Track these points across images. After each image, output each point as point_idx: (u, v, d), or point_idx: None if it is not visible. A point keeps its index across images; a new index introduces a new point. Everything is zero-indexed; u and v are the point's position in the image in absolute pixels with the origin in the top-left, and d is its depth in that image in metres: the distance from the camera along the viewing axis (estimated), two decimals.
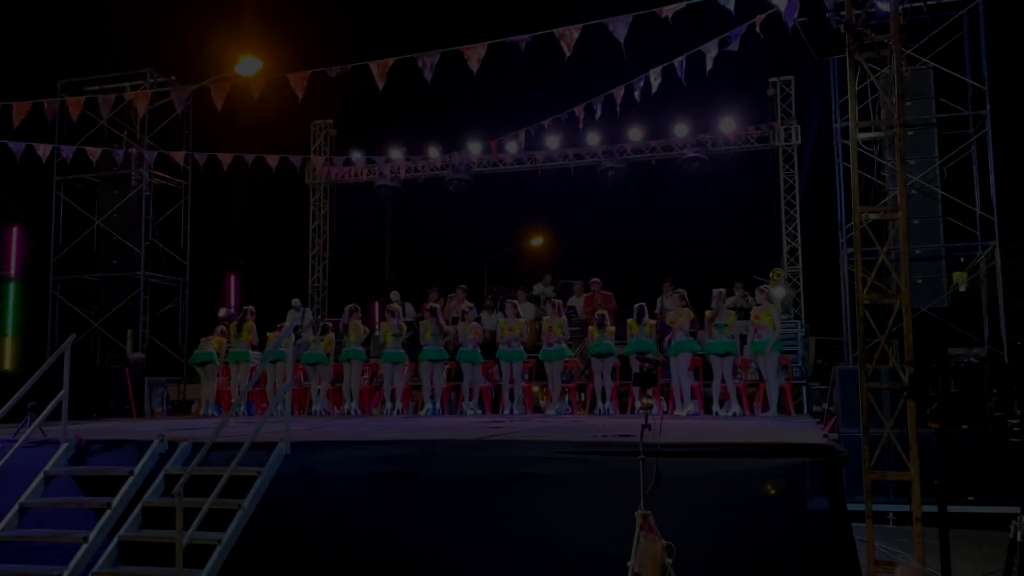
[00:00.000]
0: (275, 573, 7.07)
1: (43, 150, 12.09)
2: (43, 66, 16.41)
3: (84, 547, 6.78)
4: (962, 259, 13.13)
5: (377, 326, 14.04)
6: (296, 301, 15.36)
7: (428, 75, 7.90)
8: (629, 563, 5.28)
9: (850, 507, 6.57)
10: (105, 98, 11.01)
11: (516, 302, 13.27)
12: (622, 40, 7.26)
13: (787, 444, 6.31)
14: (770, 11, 7.08)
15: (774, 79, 17.35)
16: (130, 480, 7.31)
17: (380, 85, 8.08)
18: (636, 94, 8.70)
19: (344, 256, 20.94)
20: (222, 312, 13.86)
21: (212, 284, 20.20)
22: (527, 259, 22.85)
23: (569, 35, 7.29)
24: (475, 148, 17.03)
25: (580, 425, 9.49)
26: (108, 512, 7.06)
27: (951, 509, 8.45)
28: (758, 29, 7.26)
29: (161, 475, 7.30)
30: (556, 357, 12.40)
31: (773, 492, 5.72)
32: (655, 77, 8.41)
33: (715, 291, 11.60)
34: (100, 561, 6.66)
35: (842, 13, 5.57)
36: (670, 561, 5.23)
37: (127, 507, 7.15)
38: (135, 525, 6.97)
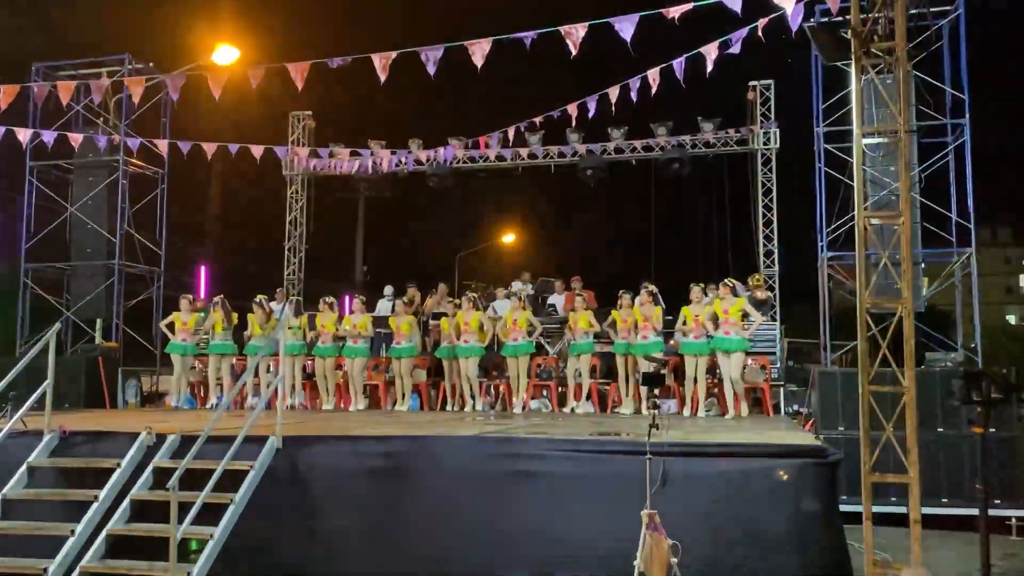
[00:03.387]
0: (267, 568, 7.01)
1: (24, 135, 11.83)
2: (17, 51, 16.08)
3: (71, 540, 6.69)
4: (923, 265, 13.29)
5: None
6: (280, 291, 15.27)
7: (431, 69, 7.85)
8: (635, 562, 5.30)
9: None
10: (96, 83, 10.80)
11: (472, 296, 12.97)
12: (628, 39, 7.28)
13: (785, 446, 6.38)
14: (773, 15, 7.15)
15: (754, 83, 17.49)
16: (117, 472, 7.21)
17: (382, 78, 8.03)
18: (632, 94, 8.74)
19: (320, 249, 20.80)
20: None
21: (184, 274, 19.97)
22: (505, 256, 22.88)
23: (575, 33, 7.30)
24: (456, 144, 16.96)
25: (565, 423, 9.52)
26: (96, 505, 6.97)
27: (930, 511, 8.65)
28: (760, 32, 7.33)
29: (150, 468, 7.21)
30: (521, 352, 12.00)
31: (786, 478, 5.78)
32: (654, 78, 8.45)
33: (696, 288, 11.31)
34: (89, 554, 6.56)
35: (847, 16, 5.65)
36: (675, 560, 5.26)
37: (114, 500, 7.06)
38: (124, 518, 6.89)
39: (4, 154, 13.50)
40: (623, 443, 6.61)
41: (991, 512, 10.98)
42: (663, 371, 6.30)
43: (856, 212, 5.88)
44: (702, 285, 11.40)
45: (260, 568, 7.01)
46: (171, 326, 12.88)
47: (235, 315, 12.97)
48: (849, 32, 5.60)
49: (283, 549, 7.05)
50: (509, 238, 32.42)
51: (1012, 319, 58.62)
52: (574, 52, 7.39)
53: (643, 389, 10.81)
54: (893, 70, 5.96)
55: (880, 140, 10.79)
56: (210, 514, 6.50)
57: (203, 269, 26.16)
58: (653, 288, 11.88)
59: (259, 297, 13.04)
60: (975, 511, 10.88)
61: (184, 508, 6.18)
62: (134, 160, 15.92)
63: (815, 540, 6.18)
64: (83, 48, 16.31)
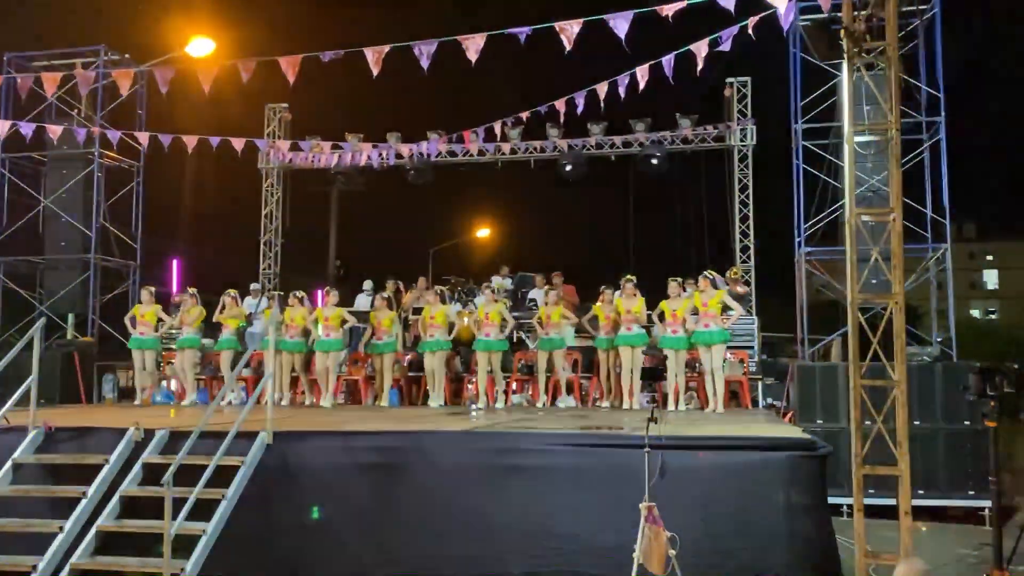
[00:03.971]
0: (259, 563, 6.99)
1: (1, 126, 11.65)
2: None
3: (60, 537, 6.63)
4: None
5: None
6: (255, 286, 15.13)
7: (425, 63, 7.84)
8: (634, 554, 5.36)
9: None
10: (82, 74, 10.65)
11: (439, 290, 12.96)
12: (623, 36, 7.32)
13: (776, 439, 6.48)
14: (765, 13, 7.23)
15: (731, 80, 17.65)
16: (106, 469, 7.15)
17: (375, 72, 8.00)
18: (621, 90, 8.79)
19: (296, 243, 20.67)
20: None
21: (160, 268, 19.73)
22: (483, 251, 22.88)
23: (569, 29, 7.34)
24: (440, 138, 16.94)
25: (548, 417, 9.57)
26: (84, 501, 6.90)
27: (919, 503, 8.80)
28: (750, 30, 7.41)
29: (139, 464, 7.16)
30: (493, 348, 11.69)
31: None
32: (643, 75, 8.51)
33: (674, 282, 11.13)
34: (79, 551, 6.51)
35: (839, 14, 5.74)
36: (674, 552, 5.33)
37: (103, 496, 7.01)
38: (113, 515, 6.83)
39: None
40: (620, 437, 6.68)
41: (965, 503, 11.33)
42: (660, 366, 6.33)
43: (847, 209, 5.99)
44: (679, 280, 11.28)
45: (252, 563, 6.98)
46: (133, 320, 12.44)
47: (203, 309, 12.67)
48: (842, 31, 5.71)
49: (275, 544, 7.03)
50: (483, 232, 32.48)
51: (976, 313, 59.59)
52: (568, 48, 7.43)
53: (637, 383, 10.75)
54: (884, 68, 6.05)
55: (868, 138, 10.91)
56: (202, 510, 6.48)
57: (175, 263, 25.89)
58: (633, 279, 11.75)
59: (231, 292, 12.80)
60: (949, 502, 11.23)
61: (175, 504, 6.16)
62: (109, 152, 15.72)
63: (805, 532, 6.29)
64: (56, 39, 16.04)
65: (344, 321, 12.10)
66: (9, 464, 7.33)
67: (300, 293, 12.55)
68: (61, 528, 6.67)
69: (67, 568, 6.39)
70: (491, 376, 11.96)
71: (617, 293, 11.46)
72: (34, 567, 6.37)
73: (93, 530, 6.67)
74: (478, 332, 11.86)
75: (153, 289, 12.92)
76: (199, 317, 12.49)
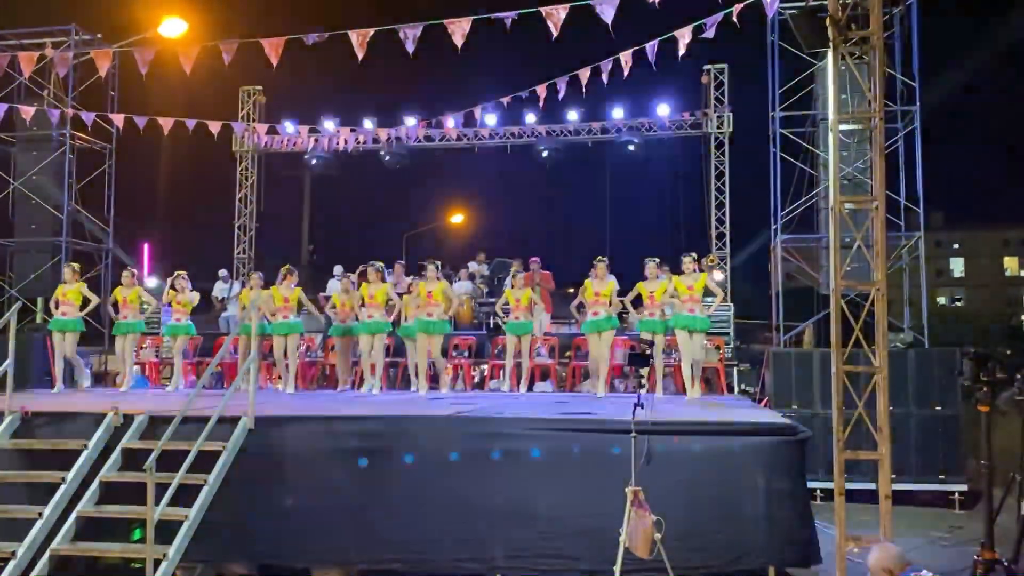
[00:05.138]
0: (241, 548, 6.97)
1: None
2: None
3: (39, 523, 6.55)
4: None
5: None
6: (223, 272, 14.99)
7: (410, 47, 7.78)
8: (620, 537, 5.41)
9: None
10: (61, 55, 10.46)
11: (378, 265, 11.52)
12: (610, 21, 7.31)
13: (757, 424, 6.54)
14: (749, 0, 7.26)
15: (708, 67, 17.72)
16: (85, 454, 7.06)
17: (360, 55, 7.93)
18: (604, 76, 8.80)
19: (270, 227, 20.54)
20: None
21: (131, 252, 19.51)
22: (459, 236, 22.82)
23: (556, 14, 7.31)
24: (412, 122, 16.85)
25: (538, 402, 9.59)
26: (63, 487, 6.82)
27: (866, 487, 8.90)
28: (735, 18, 7.44)
29: (118, 449, 7.08)
30: (433, 331, 10.64)
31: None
32: (626, 61, 8.52)
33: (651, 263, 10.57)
34: (59, 537, 6.44)
35: (824, 1, 5.79)
36: (659, 536, 5.38)
37: (82, 482, 6.93)
38: (93, 500, 6.76)
39: None
40: (606, 422, 6.71)
41: (936, 487, 11.52)
42: (649, 351, 6.32)
43: (832, 197, 6.05)
44: (657, 260, 10.74)
45: (234, 549, 6.97)
46: (116, 305, 11.67)
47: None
48: (827, 19, 5.75)
49: (257, 529, 7.00)
50: (458, 218, 32.44)
51: (943, 300, 60.56)
52: (555, 33, 7.41)
53: (604, 370, 10.41)
54: (866, 57, 6.12)
55: (848, 127, 11.01)
56: (184, 495, 6.44)
57: (146, 247, 25.63)
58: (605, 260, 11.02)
59: (178, 272, 11.97)
60: (920, 486, 11.39)
61: (162, 489, 6.12)
62: (81, 134, 15.50)
63: (786, 515, 6.37)
64: (22, 17, 15.75)
65: (301, 304, 11.38)
66: None
67: (257, 274, 11.80)
68: (40, 514, 6.59)
69: (47, 554, 6.32)
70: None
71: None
72: (13, 553, 6.28)
73: (73, 516, 6.60)
74: (417, 312, 10.87)
75: (135, 271, 12.19)
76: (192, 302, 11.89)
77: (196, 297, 11.91)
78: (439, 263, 10.99)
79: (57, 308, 11.45)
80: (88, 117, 13.30)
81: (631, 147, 17.59)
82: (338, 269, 15.34)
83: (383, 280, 11.41)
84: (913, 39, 13.26)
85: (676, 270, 11.90)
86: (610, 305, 10.36)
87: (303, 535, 6.96)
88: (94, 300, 11.52)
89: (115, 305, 11.75)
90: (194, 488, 6.57)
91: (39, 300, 15.54)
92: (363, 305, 10.97)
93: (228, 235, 19.57)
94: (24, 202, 15.21)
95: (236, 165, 19.60)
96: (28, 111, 12.90)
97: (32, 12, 17.39)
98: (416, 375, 10.97)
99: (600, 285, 10.40)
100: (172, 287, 11.80)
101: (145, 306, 11.80)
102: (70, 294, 11.34)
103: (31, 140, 15.31)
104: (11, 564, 6.24)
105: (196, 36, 14.68)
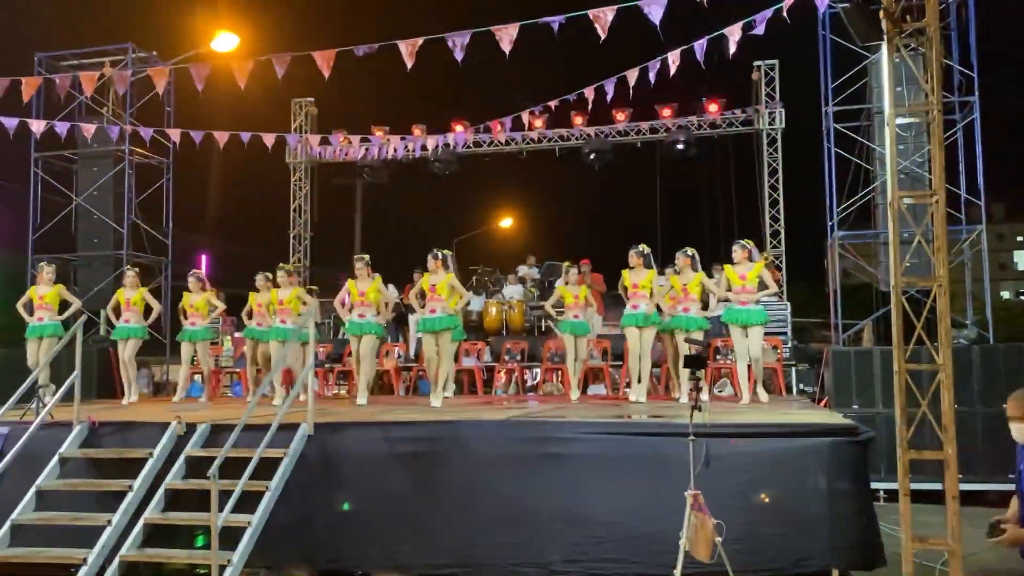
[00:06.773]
0: (302, 553, 7.07)
1: (37, 126, 11.80)
2: (20, 40, 15.98)
3: (109, 530, 6.72)
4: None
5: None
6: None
7: (459, 55, 7.84)
8: (681, 541, 5.37)
9: None
10: (119, 74, 10.77)
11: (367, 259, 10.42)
12: (658, 21, 7.28)
13: (818, 425, 6.45)
14: None
15: (759, 63, 17.52)
16: (151, 462, 7.24)
17: (409, 64, 8.02)
18: (651, 75, 8.75)
19: (325, 236, 20.87)
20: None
21: (190, 264, 19.92)
22: (509, 240, 22.88)
23: (603, 17, 7.31)
24: (467, 128, 16.92)
25: (598, 405, 9.56)
26: (130, 494, 6.99)
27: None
28: (785, 13, 7.35)
29: (182, 457, 7.24)
30: (440, 327, 9.49)
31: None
32: (674, 60, 8.46)
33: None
34: (127, 543, 6.60)
35: None
36: (720, 539, 5.33)
37: (148, 489, 7.11)
38: (159, 507, 6.92)
39: (6, 145, 13.30)
40: (663, 425, 6.67)
41: (1004, 488, 11.19)
42: (703, 352, 6.22)
43: (890, 192, 5.93)
44: (640, 248, 9.80)
45: (296, 553, 7.07)
46: (184, 312, 11.48)
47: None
48: (881, 12, 5.65)
49: (317, 535, 7.10)
50: (507, 222, 32.55)
51: (1006, 295, 58.96)
52: (603, 35, 7.40)
53: (576, 375, 10.29)
54: (922, 49, 5.99)
55: (905, 120, 10.77)
56: (246, 502, 6.56)
57: (204, 258, 26.17)
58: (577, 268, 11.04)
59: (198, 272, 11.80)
60: (988, 486, 11.08)
61: (225, 496, 6.24)
62: (139, 149, 15.86)
63: (848, 518, 6.26)
64: (83, 37, 16.20)
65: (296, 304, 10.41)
66: (56, 458, 7.45)
67: (262, 276, 11.04)
68: (109, 521, 6.77)
69: (116, 560, 6.48)
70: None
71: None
72: (84, 560, 6.46)
73: (140, 522, 6.76)
74: (420, 309, 9.86)
75: (202, 274, 11.84)
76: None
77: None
78: (444, 253, 9.76)
79: (119, 317, 11.41)
80: (146, 133, 13.60)
81: (680, 146, 17.44)
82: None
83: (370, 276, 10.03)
84: (971, 27, 12.91)
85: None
86: (651, 297, 9.56)
87: (361, 540, 7.05)
88: (156, 307, 11.54)
89: (183, 311, 11.58)
90: (256, 495, 6.69)
91: (102, 312, 15.91)
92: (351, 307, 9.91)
93: (284, 244, 19.92)
94: (86, 217, 15.58)
95: (290, 176, 19.95)
96: (89, 128, 13.24)
97: (91, 32, 17.92)
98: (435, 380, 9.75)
99: (637, 276, 9.67)
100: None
101: (212, 309, 11.58)
102: (134, 300, 11.28)
103: (92, 157, 15.68)
104: (83, 570, 6.42)
105: (247, 50, 15.00)
